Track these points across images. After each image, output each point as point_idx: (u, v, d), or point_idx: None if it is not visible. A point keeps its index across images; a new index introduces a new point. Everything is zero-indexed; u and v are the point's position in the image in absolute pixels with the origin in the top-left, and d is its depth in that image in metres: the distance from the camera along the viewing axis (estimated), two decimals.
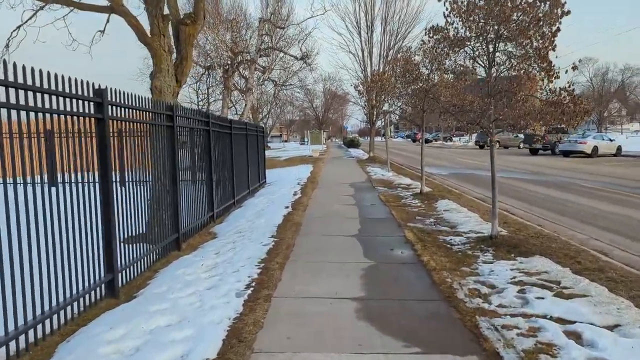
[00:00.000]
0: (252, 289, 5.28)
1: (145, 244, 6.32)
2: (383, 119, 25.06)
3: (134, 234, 6.30)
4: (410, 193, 12.91)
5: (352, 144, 51.52)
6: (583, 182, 15.71)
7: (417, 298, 5.04)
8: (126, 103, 5.67)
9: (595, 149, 28.08)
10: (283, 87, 39.93)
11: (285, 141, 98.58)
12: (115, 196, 5.26)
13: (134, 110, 5.95)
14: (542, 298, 4.89)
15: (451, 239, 7.50)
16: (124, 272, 5.40)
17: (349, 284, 5.47)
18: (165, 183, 7.08)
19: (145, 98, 6.27)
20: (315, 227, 8.73)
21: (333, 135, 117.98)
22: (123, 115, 5.65)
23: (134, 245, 6.05)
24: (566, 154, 29.02)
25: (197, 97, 39.26)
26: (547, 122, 6.57)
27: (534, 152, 33.01)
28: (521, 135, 48.12)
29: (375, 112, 26.98)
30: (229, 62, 29.17)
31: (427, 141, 72.41)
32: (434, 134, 77.08)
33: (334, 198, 12.46)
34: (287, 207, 10.93)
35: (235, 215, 10.26)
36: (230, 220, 9.78)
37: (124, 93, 5.61)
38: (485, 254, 6.55)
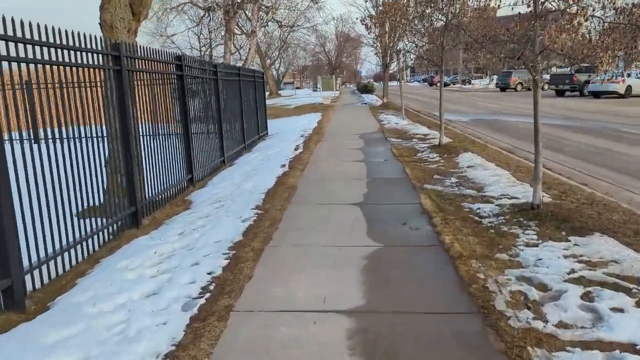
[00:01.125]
0: (208, 295, 3.83)
1: (95, 222, 4.93)
2: (397, 61, 22.94)
3: (92, 204, 4.91)
4: (427, 145, 11.24)
5: (366, 89, 49.24)
6: (626, 127, 13.80)
7: (438, 309, 3.54)
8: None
9: (629, 88, 25.71)
10: (290, 28, 37.49)
11: (298, 88, 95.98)
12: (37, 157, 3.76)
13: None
14: (621, 310, 3.36)
15: (479, 208, 5.92)
16: (35, 272, 3.98)
17: (344, 283, 3.98)
18: (117, 137, 5.57)
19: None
20: (312, 192, 7.21)
21: (347, 80, 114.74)
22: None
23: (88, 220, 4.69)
24: (597, 94, 26.70)
25: (199, 42, 37.12)
26: (614, 50, 4.81)
27: (560, 93, 30.63)
28: (546, 76, 45.36)
29: (388, 53, 24.86)
30: (230, 2, 26.96)
31: (444, 85, 69.44)
32: (452, 77, 73.85)
33: (340, 153, 10.87)
34: (283, 166, 9.40)
35: (222, 177, 8.76)
36: (215, 182, 8.29)
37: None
38: (527, 231, 4.98)
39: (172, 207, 6.79)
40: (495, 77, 61.22)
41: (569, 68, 47.07)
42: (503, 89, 41.63)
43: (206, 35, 37.11)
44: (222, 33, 31.19)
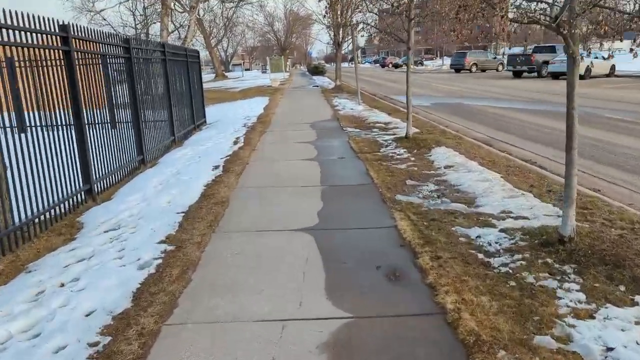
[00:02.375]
0: None
1: None
2: (352, 38, 21.09)
3: None
4: (392, 137, 9.52)
5: (317, 71, 47.25)
6: (608, 112, 12.56)
7: None
8: None
9: (589, 69, 24.96)
10: (234, 4, 34.97)
11: (247, 69, 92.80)
12: None
13: None
14: None
15: (480, 237, 4.24)
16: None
17: None
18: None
19: None
20: (248, 210, 5.33)
21: (297, 62, 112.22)
22: None
23: None
24: (556, 75, 25.85)
25: (134, 20, 34.01)
26: None
27: (517, 74, 29.74)
28: (500, 57, 44.81)
29: (341, 30, 23.01)
30: None
31: (396, 66, 68.36)
32: (404, 58, 72.91)
33: (288, 148, 9.00)
34: (216, 167, 7.46)
35: (135, 186, 6.72)
36: (124, 193, 6.26)
37: None
38: (565, 284, 3.31)
39: (50, 238, 4.76)
40: (447, 58, 60.81)
41: (524, 48, 46.80)
42: (457, 70, 40.71)
43: (141, 11, 33.98)
44: (159, 9, 28.39)
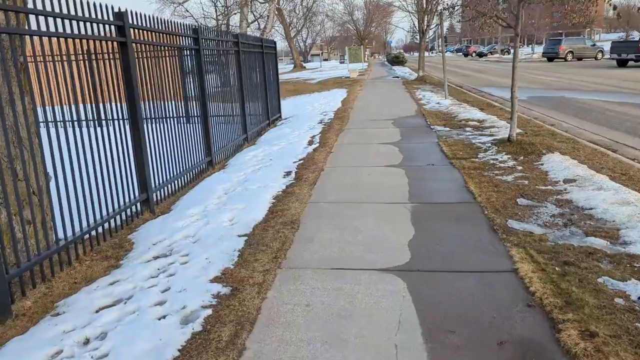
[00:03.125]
0: None
1: None
2: (437, 26, 19.52)
3: None
4: (490, 139, 8.19)
5: (396, 60, 45.55)
6: None
7: None
8: None
9: None
10: None
11: (326, 59, 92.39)
12: None
13: None
14: None
15: None
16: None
17: None
18: None
19: None
20: (321, 235, 4.37)
21: (376, 51, 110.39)
22: None
23: None
24: None
25: (216, 11, 34.15)
26: None
27: (622, 63, 26.67)
28: (600, 44, 40.90)
29: (426, 19, 21.50)
30: None
31: (480, 55, 64.88)
32: (489, 47, 69.10)
33: (368, 152, 7.95)
34: (288, 174, 6.59)
35: (197, 194, 5.96)
36: (184, 206, 5.50)
37: None
38: None
39: (93, 262, 4.06)
40: (537, 47, 56.82)
41: (624, 34, 42.40)
42: (550, 59, 37.50)
43: (222, 2, 34.06)
44: None
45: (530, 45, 65.09)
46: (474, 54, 68.92)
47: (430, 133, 9.18)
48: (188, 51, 7.10)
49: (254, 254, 3.94)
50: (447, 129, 9.51)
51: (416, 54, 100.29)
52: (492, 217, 4.56)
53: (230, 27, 33.52)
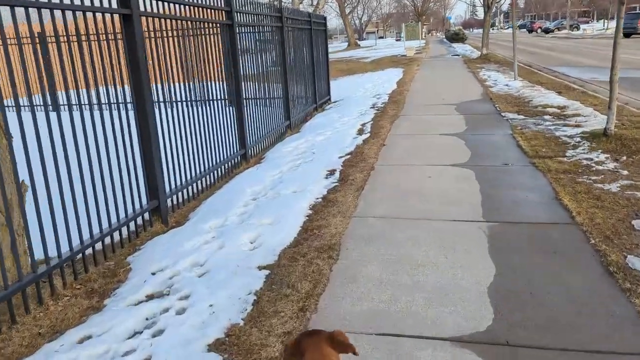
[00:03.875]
0: None
1: None
2: None
3: None
4: (578, 131, 6.76)
5: (456, 37, 43.12)
6: None
7: None
8: None
9: None
10: None
11: (381, 37, 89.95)
12: None
13: None
14: None
15: None
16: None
17: None
18: None
19: None
20: (366, 273, 3.27)
21: (434, 28, 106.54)
22: None
23: None
24: None
25: None
26: None
27: None
28: None
29: None
30: None
31: (547, 31, 60.75)
32: (557, 22, 64.64)
33: (428, 145, 6.72)
34: (330, 174, 5.52)
35: (220, 200, 4.96)
36: (202, 214, 4.52)
37: None
38: None
39: (72, 300, 3.16)
40: (611, 21, 52.54)
41: None
42: (627, 35, 34.07)
43: None
44: None
45: (602, 20, 60.28)
46: (539, 30, 64.63)
47: (501, 122, 7.82)
48: (219, 26, 6.10)
49: (274, 301, 2.91)
50: (521, 117, 8.11)
51: (476, 31, 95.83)
52: (602, 249, 3.32)
53: (282, 2, 32.41)
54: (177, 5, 4.85)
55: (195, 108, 5.18)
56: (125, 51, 4.07)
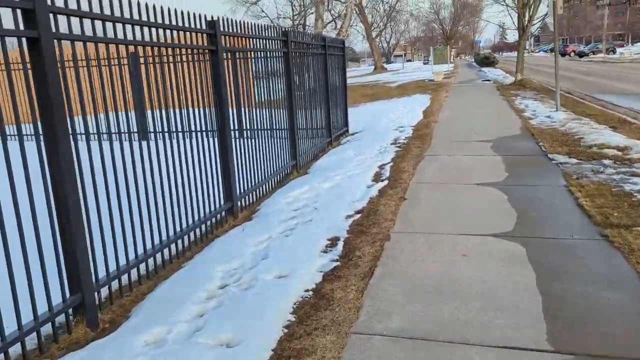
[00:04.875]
0: None
1: None
2: (544, 17, 16.25)
3: None
4: None
5: (486, 61, 41.59)
6: None
7: None
8: None
9: None
10: None
11: (409, 60, 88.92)
12: None
13: None
14: None
15: None
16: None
17: None
18: None
19: None
20: None
21: (462, 52, 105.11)
22: None
23: None
24: None
25: (292, 10, 32.39)
26: None
27: None
28: None
29: (528, 13, 18.25)
30: None
31: (581, 54, 58.64)
32: (592, 46, 62.50)
33: (460, 200, 5.34)
34: (330, 246, 4.20)
35: (166, 291, 3.72)
36: (141, 317, 3.29)
37: None
38: None
39: None
40: None
41: None
42: None
43: (300, 0, 32.21)
44: None
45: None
46: (572, 54, 62.55)
47: (549, 167, 6.40)
48: (200, 52, 4.92)
49: None
50: (574, 160, 6.67)
51: (505, 54, 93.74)
52: None
53: (306, 27, 31.62)
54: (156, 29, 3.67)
55: (158, 142, 3.96)
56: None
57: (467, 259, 3.76)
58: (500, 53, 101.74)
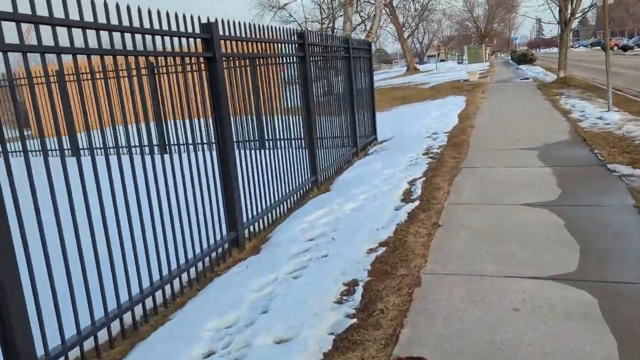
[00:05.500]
0: None
1: None
2: (589, 9, 15.00)
3: None
4: None
5: (524, 59, 39.91)
6: None
7: None
8: None
9: None
10: None
11: (443, 60, 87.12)
12: None
13: None
14: None
15: None
16: None
17: None
18: None
19: None
20: None
21: (498, 50, 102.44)
22: None
23: None
24: None
25: (321, 13, 31.73)
26: None
27: None
28: None
29: (570, 6, 17.03)
30: None
31: (625, 48, 55.86)
32: (637, 38, 59.49)
33: (503, 225, 4.46)
34: (344, 296, 3.40)
35: (160, 347, 3.03)
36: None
37: None
38: None
39: None
40: None
41: None
42: None
43: (328, 3, 31.51)
44: None
45: None
46: (615, 48, 59.68)
47: (611, 181, 5.44)
48: (197, 60, 4.24)
49: None
50: (638, 170, 5.68)
51: (543, 51, 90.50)
52: None
53: (335, 30, 30.90)
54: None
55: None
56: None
57: (520, 315, 2.91)
58: (538, 49, 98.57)
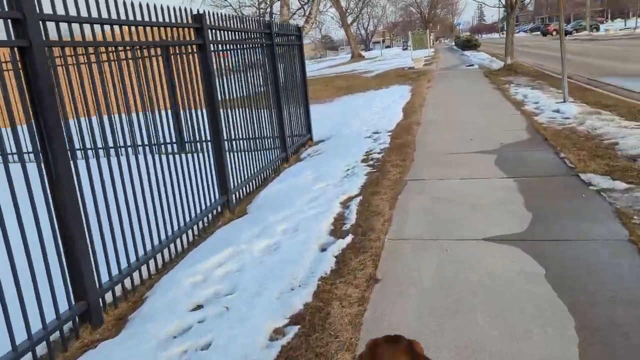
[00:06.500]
0: None
1: None
2: None
3: None
4: None
5: (468, 45, 39.59)
6: None
7: None
8: None
9: None
10: None
11: (388, 47, 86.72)
12: None
13: None
14: None
15: None
16: None
17: None
18: None
19: None
20: None
21: (441, 35, 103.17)
22: None
23: None
24: None
25: None
26: None
27: None
28: None
29: None
30: None
31: (565, 33, 56.87)
32: (574, 23, 60.78)
33: (466, 288, 3.23)
34: None
35: None
36: None
37: None
38: None
39: None
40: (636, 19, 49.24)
41: None
42: None
43: None
44: None
45: (635, 18, 55.81)
46: (554, 33, 60.83)
47: (589, 198, 4.32)
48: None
49: None
50: (620, 183, 4.59)
51: (485, 36, 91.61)
52: None
53: (273, 16, 29.21)
54: None
55: None
56: None
57: None
58: (480, 35, 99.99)
